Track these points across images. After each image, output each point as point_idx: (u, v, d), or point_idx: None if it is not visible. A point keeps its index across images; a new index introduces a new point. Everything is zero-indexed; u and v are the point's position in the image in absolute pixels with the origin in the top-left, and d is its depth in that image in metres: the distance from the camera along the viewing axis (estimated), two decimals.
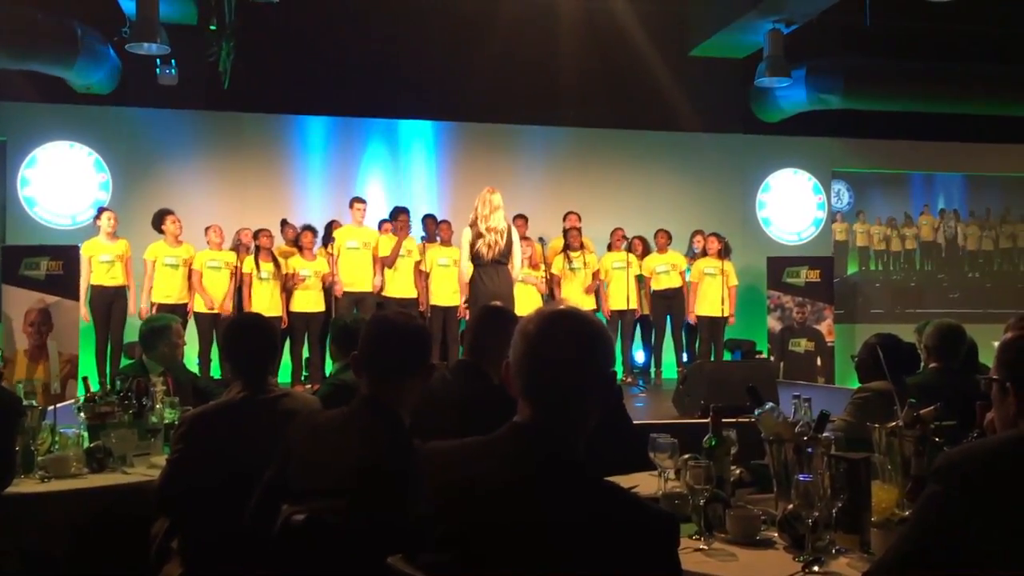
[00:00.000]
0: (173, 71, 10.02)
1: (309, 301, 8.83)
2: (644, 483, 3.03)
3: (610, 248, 9.79)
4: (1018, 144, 12.54)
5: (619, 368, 9.62)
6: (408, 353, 2.38)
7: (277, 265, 8.79)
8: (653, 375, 9.71)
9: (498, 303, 5.21)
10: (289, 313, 8.78)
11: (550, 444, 1.61)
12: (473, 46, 9.97)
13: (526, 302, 8.55)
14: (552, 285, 9.36)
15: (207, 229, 8.89)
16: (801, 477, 2.28)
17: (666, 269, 9.65)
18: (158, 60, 9.83)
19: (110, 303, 8.55)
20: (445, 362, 6.66)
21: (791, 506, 2.31)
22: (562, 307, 1.71)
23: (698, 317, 9.65)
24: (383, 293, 9.02)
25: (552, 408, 1.63)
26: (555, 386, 1.62)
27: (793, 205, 12.20)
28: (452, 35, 10.18)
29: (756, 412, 2.74)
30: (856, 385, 4.24)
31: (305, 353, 9.03)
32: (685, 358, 9.68)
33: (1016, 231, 13.27)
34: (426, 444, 1.80)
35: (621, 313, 9.44)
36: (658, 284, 9.62)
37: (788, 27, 9.82)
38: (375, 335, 2.41)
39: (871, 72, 11.07)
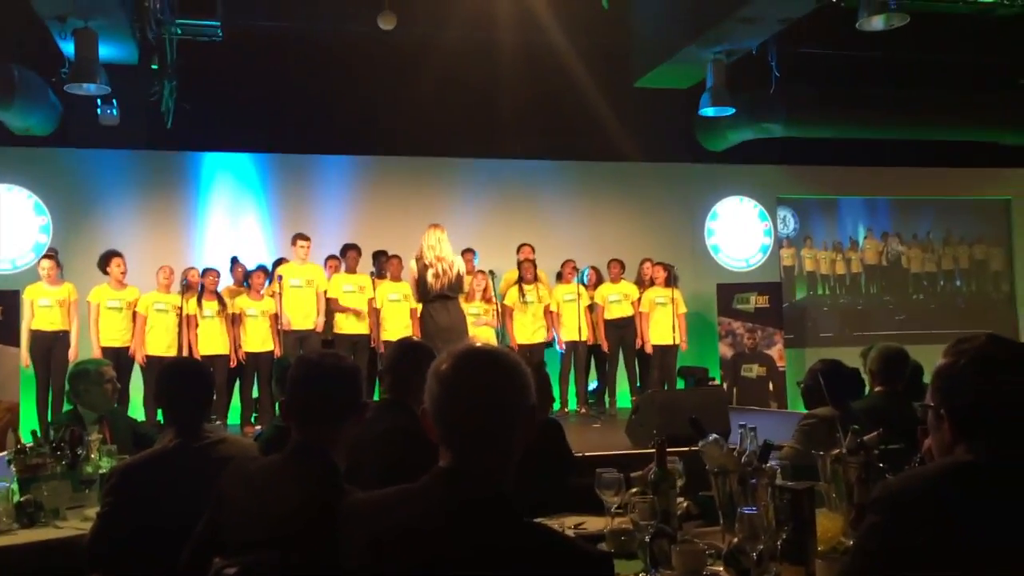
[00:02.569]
0: (114, 111, 9.86)
1: (257, 340, 8.70)
2: (592, 520, 2.99)
3: (560, 279, 9.80)
4: (958, 168, 12.84)
5: (573, 400, 9.59)
6: (337, 396, 2.29)
7: (222, 303, 8.66)
8: (608, 404, 9.70)
9: (414, 337, 5.15)
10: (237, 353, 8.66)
11: (476, 487, 1.56)
12: (415, 80, 9.98)
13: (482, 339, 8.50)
14: (504, 317, 9.34)
15: (158, 271, 8.75)
16: (745, 510, 2.25)
17: (618, 299, 9.68)
18: (99, 100, 9.68)
19: (49, 348, 8.32)
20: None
21: (736, 539, 2.28)
22: (475, 345, 1.67)
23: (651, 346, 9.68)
24: (335, 331, 8.94)
25: (475, 450, 1.59)
26: (475, 427, 1.58)
27: (740, 232, 12.34)
28: (394, 70, 10.17)
29: (700, 443, 2.72)
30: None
31: (255, 393, 8.86)
32: (639, 387, 9.69)
33: (958, 252, 13.55)
34: (348, 497, 1.73)
35: (574, 344, 9.44)
36: (610, 314, 9.64)
37: (729, 58, 9.97)
38: (301, 380, 2.31)
39: (811, 101, 11.27)
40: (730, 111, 10.30)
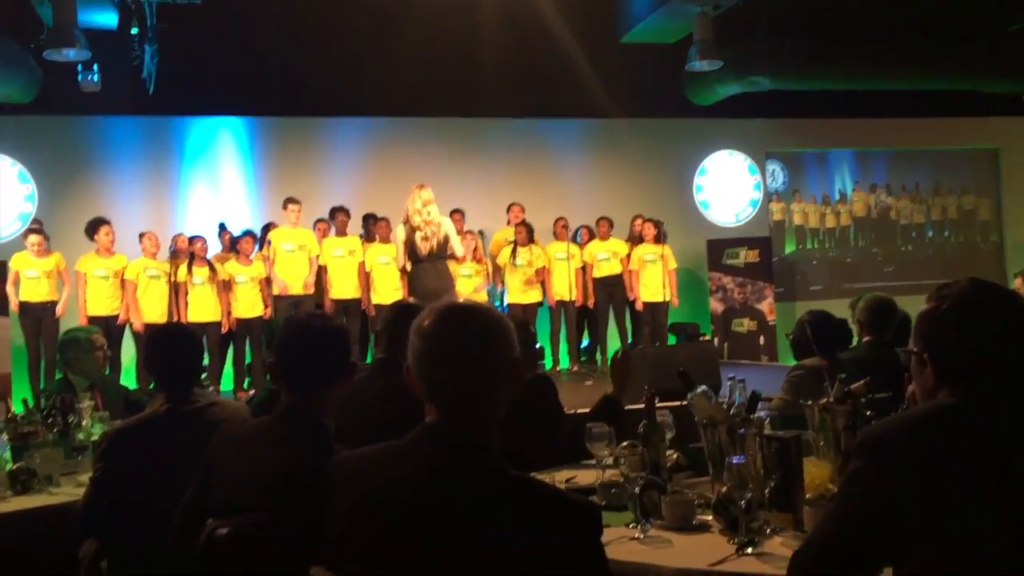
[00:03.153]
0: (95, 77, 9.72)
1: (248, 306, 8.68)
2: (583, 473, 3.02)
3: (554, 236, 9.78)
4: (946, 118, 12.80)
5: (566, 358, 9.63)
6: (325, 358, 2.29)
7: (212, 269, 8.62)
8: (599, 362, 9.74)
9: (412, 300, 5.14)
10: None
11: (461, 442, 1.57)
12: (399, 40, 9.85)
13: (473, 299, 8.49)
14: (496, 277, 9.34)
15: (141, 236, 8.69)
16: (734, 459, 2.27)
17: (607, 256, 9.68)
18: (79, 66, 9.55)
19: (39, 318, 8.31)
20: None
21: (725, 488, 2.31)
22: (457, 301, 1.67)
23: (640, 303, 9.70)
24: (326, 295, 8.93)
25: (459, 407, 1.59)
26: (458, 382, 1.59)
27: (730, 187, 12.31)
28: (377, 29, 10.05)
29: (688, 396, 2.74)
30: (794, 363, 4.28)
31: (248, 359, 8.86)
32: (631, 343, 9.73)
33: (947, 203, 13.57)
34: (335, 456, 1.74)
35: (564, 303, 9.46)
36: (599, 271, 9.65)
37: (715, 11, 9.88)
38: (289, 341, 2.31)
39: (798, 53, 11.19)
40: (718, 65, 10.23)
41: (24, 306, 8.31)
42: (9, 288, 8.35)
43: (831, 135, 12.73)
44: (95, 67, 9.68)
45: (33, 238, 8.42)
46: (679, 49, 10.61)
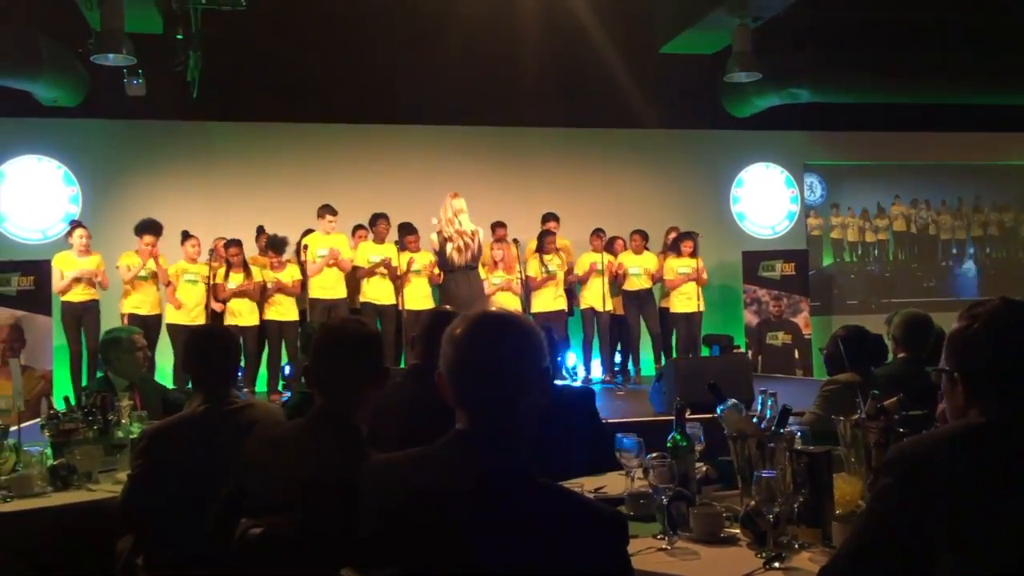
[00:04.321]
0: (141, 82, 9.90)
1: (282, 310, 8.77)
2: (612, 483, 3.03)
3: (592, 248, 9.80)
4: (988, 132, 12.63)
5: (598, 368, 9.62)
6: (359, 363, 2.33)
7: (249, 275, 8.72)
8: (632, 372, 9.72)
9: (448, 307, 5.20)
10: (264, 322, 8.73)
11: (491, 450, 1.59)
12: (438, 48, 9.91)
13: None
14: (527, 287, 9.36)
15: (185, 240, 8.80)
16: (764, 473, 2.27)
17: (638, 272, 9.66)
18: (125, 71, 9.72)
19: (80, 317, 8.46)
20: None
21: (753, 502, 2.31)
22: (489, 310, 1.70)
23: (673, 314, 9.68)
24: (361, 299, 9.00)
25: (489, 413, 1.61)
26: (489, 391, 1.61)
27: (767, 199, 12.24)
28: (416, 38, 10.12)
29: (719, 409, 2.74)
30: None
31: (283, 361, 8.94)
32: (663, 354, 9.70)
33: (988, 219, 13.37)
34: (368, 459, 1.77)
35: (597, 314, 9.45)
36: (630, 285, 9.64)
37: (755, 22, 9.83)
38: (324, 346, 2.36)
39: (839, 65, 11.09)
40: (756, 77, 10.17)
41: (66, 305, 8.47)
42: (56, 285, 8.49)
43: (870, 149, 12.61)
44: (140, 72, 9.85)
45: (80, 231, 8.56)
46: (717, 60, 10.56)
